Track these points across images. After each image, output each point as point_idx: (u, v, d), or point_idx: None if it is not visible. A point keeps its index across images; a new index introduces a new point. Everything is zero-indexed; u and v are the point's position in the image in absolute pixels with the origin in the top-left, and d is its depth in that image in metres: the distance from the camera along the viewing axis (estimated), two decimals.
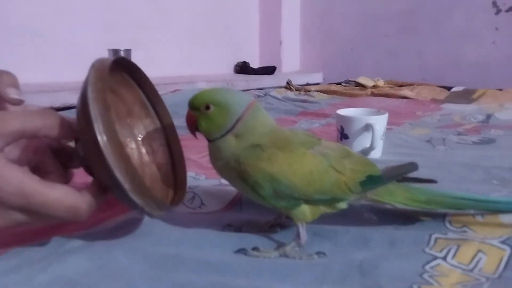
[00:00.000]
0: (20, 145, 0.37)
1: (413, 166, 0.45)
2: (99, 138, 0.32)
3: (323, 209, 0.42)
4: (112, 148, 0.32)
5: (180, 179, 0.47)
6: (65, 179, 0.39)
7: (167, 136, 0.48)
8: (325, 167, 0.40)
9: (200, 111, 0.40)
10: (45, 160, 0.38)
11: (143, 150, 0.47)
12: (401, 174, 0.45)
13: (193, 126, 0.41)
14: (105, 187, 0.36)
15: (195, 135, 0.43)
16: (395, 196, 0.43)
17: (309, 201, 0.40)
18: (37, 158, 0.38)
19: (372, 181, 0.42)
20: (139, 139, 0.47)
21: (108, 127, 0.32)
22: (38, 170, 0.36)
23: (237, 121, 0.39)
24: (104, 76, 0.35)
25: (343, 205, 0.42)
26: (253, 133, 0.40)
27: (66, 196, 0.33)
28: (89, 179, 0.37)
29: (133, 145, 0.47)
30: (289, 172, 0.38)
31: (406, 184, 0.45)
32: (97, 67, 0.35)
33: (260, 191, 0.39)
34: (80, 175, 0.40)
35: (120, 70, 0.44)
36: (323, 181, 0.39)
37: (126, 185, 0.33)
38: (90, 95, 0.32)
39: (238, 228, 0.45)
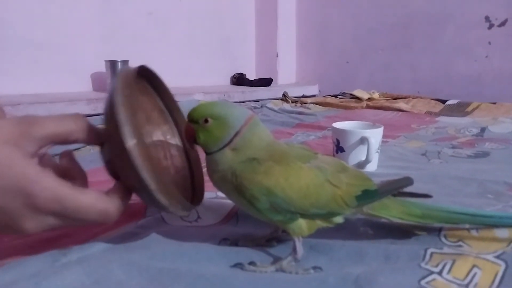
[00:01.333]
0: (49, 151, 0.38)
1: (408, 181, 0.45)
2: (127, 141, 0.33)
3: (320, 223, 0.42)
4: (139, 151, 0.34)
5: (197, 182, 0.48)
6: (87, 184, 0.40)
7: (184, 141, 0.50)
8: (322, 181, 0.40)
9: (198, 124, 0.40)
10: (70, 165, 0.39)
11: (162, 155, 0.48)
12: (397, 188, 0.45)
13: (192, 138, 0.41)
14: (129, 189, 0.37)
15: (193, 147, 0.43)
16: (390, 211, 0.43)
17: (305, 215, 0.40)
18: (63, 163, 0.38)
19: (368, 195, 0.42)
20: (158, 144, 0.48)
21: (136, 130, 0.34)
22: (64, 175, 0.36)
23: (235, 135, 0.39)
24: (130, 83, 0.36)
25: (339, 219, 0.43)
26: (250, 147, 0.40)
27: (97, 200, 0.34)
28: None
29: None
30: (285, 186, 0.38)
31: (402, 198, 0.46)
32: (123, 75, 0.37)
33: (256, 205, 0.39)
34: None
35: (140, 78, 0.45)
36: (320, 195, 0.39)
37: (152, 186, 0.35)
38: (119, 100, 0.34)
39: (234, 242, 0.45)
